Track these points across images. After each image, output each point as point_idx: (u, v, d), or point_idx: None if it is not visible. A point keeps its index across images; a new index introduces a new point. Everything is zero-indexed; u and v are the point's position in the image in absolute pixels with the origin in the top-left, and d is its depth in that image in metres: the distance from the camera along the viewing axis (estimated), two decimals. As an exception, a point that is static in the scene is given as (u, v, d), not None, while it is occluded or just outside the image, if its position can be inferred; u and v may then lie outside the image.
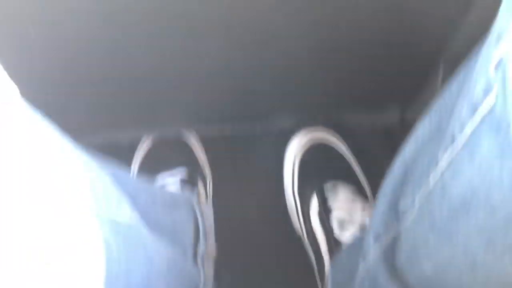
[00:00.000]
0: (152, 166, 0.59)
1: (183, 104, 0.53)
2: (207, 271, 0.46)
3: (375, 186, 0.65)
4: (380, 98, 0.58)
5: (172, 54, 0.43)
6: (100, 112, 0.53)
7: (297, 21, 0.39)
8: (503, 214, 0.24)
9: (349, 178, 0.58)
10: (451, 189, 0.27)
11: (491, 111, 0.22)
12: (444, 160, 0.27)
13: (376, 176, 0.64)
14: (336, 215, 0.54)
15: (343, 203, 0.55)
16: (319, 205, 0.55)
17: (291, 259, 0.61)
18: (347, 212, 0.54)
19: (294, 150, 0.60)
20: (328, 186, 0.56)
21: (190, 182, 0.55)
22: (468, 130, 0.24)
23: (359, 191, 0.57)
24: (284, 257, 0.61)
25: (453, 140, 0.26)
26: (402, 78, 0.51)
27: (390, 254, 0.36)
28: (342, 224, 0.53)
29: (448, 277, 0.30)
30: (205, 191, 0.57)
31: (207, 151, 0.63)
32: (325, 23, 0.39)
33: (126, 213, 0.31)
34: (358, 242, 0.47)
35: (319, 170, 0.59)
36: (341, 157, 0.60)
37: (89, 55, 0.42)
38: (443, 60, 0.48)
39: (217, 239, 0.58)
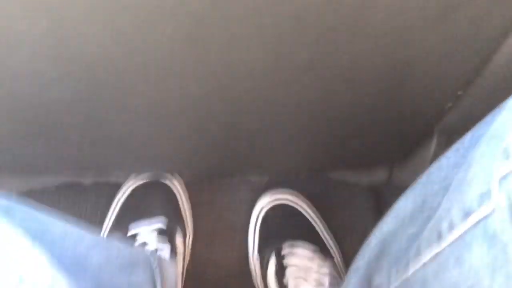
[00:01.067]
0: (133, 211, 0.58)
1: (163, 153, 0.50)
2: None
3: (350, 248, 0.64)
4: (369, 160, 0.55)
5: (154, 104, 0.40)
6: (84, 156, 0.50)
7: (286, 83, 0.36)
8: None
9: (310, 237, 0.59)
10: (433, 286, 0.26)
11: (487, 221, 0.22)
12: (427, 255, 0.27)
13: (353, 236, 0.65)
14: (290, 273, 0.54)
15: (300, 262, 0.55)
16: (276, 265, 0.55)
17: None
18: (303, 270, 0.54)
19: (257, 210, 0.61)
20: (286, 245, 0.56)
21: (167, 233, 0.54)
22: (457, 232, 0.24)
23: (322, 250, 0.57)
24: None
25: (439, 238, 0.25)
26: (394, 142, 0.49)
27: None
28: (297, 283, 0.53)
29: None
30: (183, 245, 0.57)
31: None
32: (316, 86, 0.37)
33: None
34: None
35: (279, 230, 0.59)
36: (303, 217, 0.61)
37: (67, 105, 0.39)
38: (437, 130, 0.46)
39: None
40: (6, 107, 0.38)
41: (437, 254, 0.26)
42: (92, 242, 0.36)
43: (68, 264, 0.33)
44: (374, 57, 0.33)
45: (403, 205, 0.32)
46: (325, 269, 0.55)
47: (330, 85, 0.36)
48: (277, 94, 0.38)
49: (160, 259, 0.46)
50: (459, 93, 0.38)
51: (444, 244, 0.25)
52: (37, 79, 0.34)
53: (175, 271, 0.50)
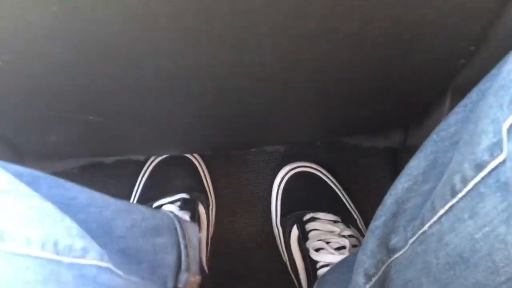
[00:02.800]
0: (156, 188, 0.60)
1: (181, 133, 0.51)
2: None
3: (369, 210, 0.65)
4: (384, 123, 0.55)
5: (171, 90, 0.41)
6: (105, 139, 0.51)
7: (296, 51, 0.36)
8: (508, 275, 0.24)
9: (332, 205, 0.60)
10: (449, 240, 0.27)
11: (499, 171, 0.22)
12: (441, 209, 0.27)
13: (371, 199, 0.65)
14: (312, 236, 0.55)
15: (322, 226, 0.56)
16: (298, 230, 0.57)
17: (280, 285, 0.61)
18: (324, 233, 0.55)
19: (279, 180, 0.62)
20: (308, 215, 0.57)
21: (191, 203, 0.56)
22: (470, 184, 0.24)
23: (344, 218, 0.59)
24: (273, 284, 0.61)
25: (453, 191, 0.26)
26: (408, 104, 0.49)
27: None
28: (319, 252, 0.54)
29: None
30: (206, 215, 0.58)
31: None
32: (327, 52, 0.36)
33: (91, 255, 0.28)
34: (345, 268, 0.47)
35: (302, 198, 0.60)
36: (324, 183, 0.62)
37: (86, 88, 0.39)
38: (451, 89, 0.46)
39: (209, 264, 0.58)
40: (28, 91, 0.39)
41: (451, 207, 0.26)
42: (117, 207, 0.37)
43: (94, 228, 0.34)
44: (384, 16, 0.33)
45: (416, 164, 0.32)
46: (347, 232, 0.56)
47: (342, 49, 0.36)
48: (289, 63, 0.38)
49: (183, 222, 0.47)
50: (472, 48, 0.38)
51: (458, 196, 0.25)
52: (56, 62, 0.35)
53: (198, 234, 0.51)
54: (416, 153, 0.32)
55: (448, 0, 0.32)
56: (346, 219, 0.59)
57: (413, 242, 0.31)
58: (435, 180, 0.30)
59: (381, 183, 0.67)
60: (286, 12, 0.31)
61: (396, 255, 0.33)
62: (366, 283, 0.35)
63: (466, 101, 0.30)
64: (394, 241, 0.33)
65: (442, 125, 0.31)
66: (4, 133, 0.47)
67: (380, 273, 0.35)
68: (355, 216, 0.61)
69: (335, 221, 0.57)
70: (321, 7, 0.31)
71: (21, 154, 0.53)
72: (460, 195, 0.25)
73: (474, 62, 0.40)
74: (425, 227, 0.29)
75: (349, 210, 0.61)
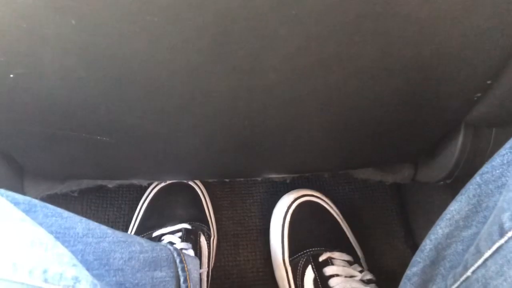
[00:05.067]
0: (157, 216, 0.58)
1: (185, 160, 0.50)
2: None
3: (375, 246, 0.63)
4: (394, 157, 0.54)
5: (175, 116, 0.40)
6: (108, 162, 0.50)
7: (309, 80, 0.35)
8: None
9: (342, 243, 0.57)
10: (497, 285, 0.25)
11: None
12: (488, 251, 0.26)
13: (375, 235, 0.64)
14: (335, 283, 0.52)
15: (342, 278, 0.52)
16: (314, 272, 0.53)
17: None
18: (346, 279, 0.52)
19: (284, 210, 0.59)
20: (324, 255, 0.54)
21: (192, 234, 0.55)
22: None
23: (352, 257, 0.56)
24: None
25: (501, 231, 0.24)
26: (419, 138, 0.48)
27: None
28: None
29: None
30: (208, 246, 0.56)
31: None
32: (340, 83, 0.36)
33: (83, 285, 0.27)
34: None
35: (310, 234, 0.57)
36: (332, 218, 0.59)
37: (87, 112, 0.39)
38: (464, 123, 0.45)
39: None
40: (35, 107, 0.38)
41: (499, 248, 0.25)
42: (115, 239, 0.36)
43: (91, 260, 0.33)
44: (400, 49, 0.33)
45: (457, 208, 0.31)
46: (368, 276, 0.54)
47: (355, 81, 0.36)
48: (300, 93, 0.37)
49: (184, 255, 0.45)
50: (489, 82, 0.37)
51: (507, 235, 0.24)
52: (68, 77, 0.34)
53: (199, 268, 0.50)
54: (457, 196, 0.31)
55: (467, 32, 0.32)
56: (356, 259, 0.57)
57: None
58: (478, 225, 0.29)
59: (387, 220, 0.66)
60: (300, 39, 0.31)
61: None
62: None
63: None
64: None
65: (486, 167, 0.29)
66: (5, 149, 0.46)
67: None
68: (359, 254, 0.59)
69: (349, 261, 0.55)
70: (339, 30, 0.30)
71: (21, 173, 0.52)
72: (509, 234, 0.24)
73: (491, 96, 0.39)
74: (468, 273, 0.27)
75: (353, 246, 0.59)
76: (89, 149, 0.44)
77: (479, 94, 0.39)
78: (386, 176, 0.59)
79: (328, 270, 0.53)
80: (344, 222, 0.61)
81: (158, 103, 0.38)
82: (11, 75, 0.33)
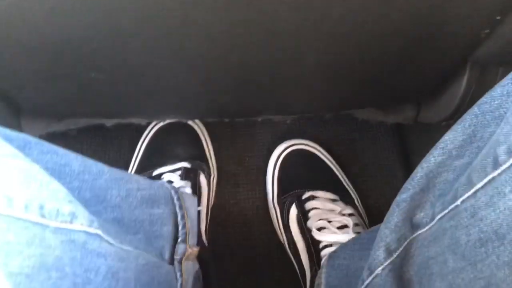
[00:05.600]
0: (157, 155, 0.58)
1: (184, 97, 0.49)
2: (186, 273, 0.42)
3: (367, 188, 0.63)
4: (396, 97, 0.53)
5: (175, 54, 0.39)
6: (106, 100, 0.50)
7: (306, 15, 0.33)
8: None
9: (330, 183, 0.59)
10: (485, 215, 0.25)
11: None
12: (479, 182, 0.25)
13: (374, 176, 0.64)
14: (313, 215, 0.54)
15: (322, 204, 0.55)
16: (298, 209, 0.56)
17: (277, 264, 0.60)
18: (326, 212, 0.54)
19: (275, 158, 0.61)
20: (306, 193, 0.56)
21: (192, 172, 0.55)
22: None
23: (342, 197, 0.58)
24: (270, 263, 0.60)
25: (495, 164, 0.24)
26: (423, 77, 0.47)
27: (398, 266, 0.34)
28: (321, 231, 0.53)
29: None
30: (207, 185, 0.57)
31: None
32: (342, 19, 0.34)
33: (80, 220, 0.27)
34: (358, 246, 0.46)
35: (299, 176, 0.59)
36: (320, 161, 0.61)
37: (90, 51, 0.38)
38: (470, 62, 0.43)
39: (208, 235, 0.57)
40: (28, 46, 0.37)
41: (491, 180, 0.25)
42: (112, 176, 0.36)
43: (88, 197, 0.33)
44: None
45: (452, 137, 0.30)
46: (348, 210, 0.55)
47: (357, 15, 0.34)
48: (300, 27, 0.36)
49: (181, 193, 0.46)
50: (497, 17, 0.35)
51: (501, 168, 0.24)
52: (60, 15, 0.33)
53: (196, 206, 0.50)
54: (453, 125, 0.31)
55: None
56: (344, 197, 0.58)
57: (441, 218, 0.29)
58: (471, 155, 0.29)
59: (387, 161, 0.66)
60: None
61: (419, 231, 0.32)
62: (386, 258, 0.34)
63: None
64: (419, 216, 0.32)
65: (485, 97, 0.28)
66: (2, 88, 0.46)
67: (401, 248, 0.33)
68: (353, 195, 0.60)
69: (334, 200, 0.56)
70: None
71: (18, 112, 0.51)
72: (503, 167, 0.24)
73: (499, 33, 0.37)
74: (458, 202, 0.27)
75: (347, 189, 0.60)
76: (84, 86, 0.44)
77: (487, 31, 0.37)
78: (387, 116, 0.58)
79: (308, 205, 0.55)
80: (337, 167, 0.62)
81: (152, 36, 0.37)
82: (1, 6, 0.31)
